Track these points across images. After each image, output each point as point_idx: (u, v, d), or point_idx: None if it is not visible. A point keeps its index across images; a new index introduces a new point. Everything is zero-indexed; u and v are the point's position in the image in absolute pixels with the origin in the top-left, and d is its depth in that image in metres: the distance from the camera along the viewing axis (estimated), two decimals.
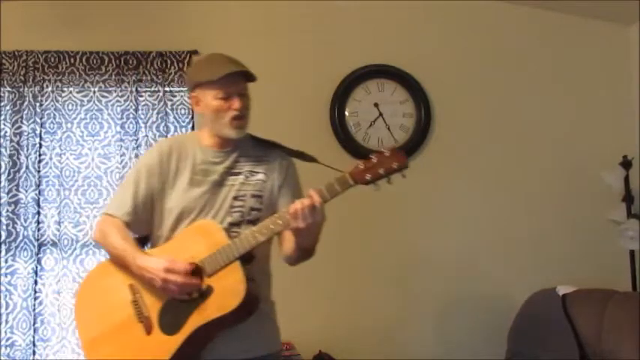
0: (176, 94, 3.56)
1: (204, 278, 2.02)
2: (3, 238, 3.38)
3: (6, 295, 3.35)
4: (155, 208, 2.18)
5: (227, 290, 1.98)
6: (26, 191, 3.41)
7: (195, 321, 1.99)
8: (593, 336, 2.89)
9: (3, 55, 3.48)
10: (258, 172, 2.19)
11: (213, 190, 2.14)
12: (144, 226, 2.20)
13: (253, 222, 2.11)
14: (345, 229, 3.55)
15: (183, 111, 3.55)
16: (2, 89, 3.48)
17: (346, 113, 3.65)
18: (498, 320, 3.32)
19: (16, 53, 3.49)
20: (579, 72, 3.77)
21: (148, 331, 2.04)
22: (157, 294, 2.05)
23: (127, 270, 2.10)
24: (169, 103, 3.54)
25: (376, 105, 3.67)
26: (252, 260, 2.05)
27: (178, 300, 2.02)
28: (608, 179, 3.48)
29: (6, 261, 3.37)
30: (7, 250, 3.37)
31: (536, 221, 3.64)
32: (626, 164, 3.46)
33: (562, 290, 3.14)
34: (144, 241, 2.25)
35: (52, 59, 3.51)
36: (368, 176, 1.98)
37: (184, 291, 2.00)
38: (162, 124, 3.50)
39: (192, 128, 3.53)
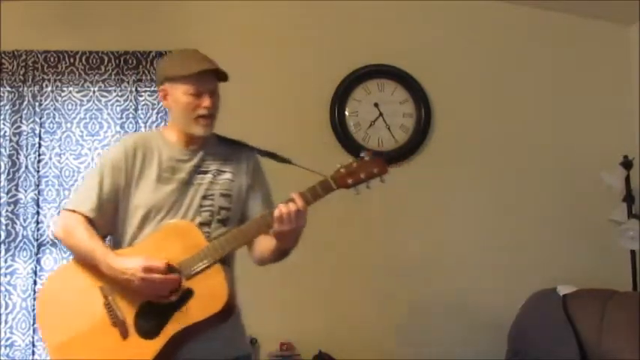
0: None
1: (182, 280, 1.96)
2: (2, 238, 3.38)
3: (5, 296, 3.35)
4: (120, 205, 2.10)
5: (209, 293, 1.94)
6: (25, 191, 3.41)
7: (176, 324, 1.93)
8: (593, 336, 2.89)
9: (3, 55, 3.48)
10: (225, 172, 2.16)
11: (181, 189, 2.09)
12: (108, 224, 2.10)
13: (223, 221, 2.10)
14: (344, 229, 3.55)
15: None
16: (2, 89, 3.48)
17: (346, 113, 3.65)
18: (498, 320, 3.31)
19: (16, 53, 3.49)
20: (579, 72, 3.76)
21: (124, 335, 1.96)
22: (132, 297, 1.97)
23: (96, 270, 2.00)
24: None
25: (376, 105, 3.67)
26: (227, 262, 2.04)
27: (156, 303, 1.96)
28: (608, 179, 3.47)
29: (5, 261, 3.37)
30: (7, 250, 3.37)
31: (536, 221, 3.64)
32: (627, 164, 3.46)
33: (562, 290, 3.14)
34: (105, 239, 2.14)
35: (52, 59, 3.51)
36: (350, 181, 2.00)
37: (164, 290, 1.94)
38: (162, 123, 3.49)
39: None
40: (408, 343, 3.49)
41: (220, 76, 2.16)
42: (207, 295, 1.94)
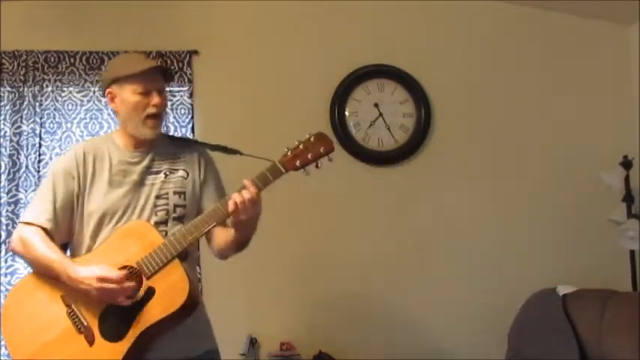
0: (176, 94, 3.55)
1: (143, 280, 1.97)
2: (3, 238, 3.38)
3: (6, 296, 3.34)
4: (75, 212, 2.10)
5: (170, 289, 1.95)
6: (26, 191, 3.41)
7: (141, 324, 1.93)
8: (593, 336, 2.89)
9: (3, 55, 3.48)
10: (177, 169, 2.17)
11: (134, 191, 2.10)
12: (64, 232, 2.11)
13: (179, 219, 2.11)
14: (344, 230, 3.56)
15: (183, 111, 3.54)
16: (2, 89, 3.48)
17: (346, 113, 3.65)
18: (498, 320, 3.31)
19: (16, 53, 3.48)
20: (579, 72, 3.76)
21: (90, 341, 1.95)
22: (94, 302, 1.97)
23: (56, 281, 2.00)
24: (169, 103, 3.52)
25: (376, 105, 3.67)
26: (187, 258, 2.04)
27: (119, 306, 1.95)
28: (608, 179, 3.47)
29: (6, 261, 3.36)
30: (7, 250, 3.37)
31: (536, 221, 3.64)
32: (627, 164, 3.46)
33: (562, 290, 3.14)
34: (64, 248, 2.14)
35: (52, 59, 3.51)
36: (298, 162, 1.99)
37: (121, 298, 1.93)
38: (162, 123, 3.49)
39: (192, 128, 3.53)
40: (408, 343, 3.49)
41: (167, 76, 2.18)
42: (168, 292, 1.94)
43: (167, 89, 2.23)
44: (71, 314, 1.99)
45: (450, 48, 3.74)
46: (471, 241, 3.62)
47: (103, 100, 3.53)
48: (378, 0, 3.71)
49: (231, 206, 1.94)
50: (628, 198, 3.47)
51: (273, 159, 2.01)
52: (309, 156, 1.99)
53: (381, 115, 3.67)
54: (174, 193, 2.13)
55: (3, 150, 3.43)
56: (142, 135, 2.13)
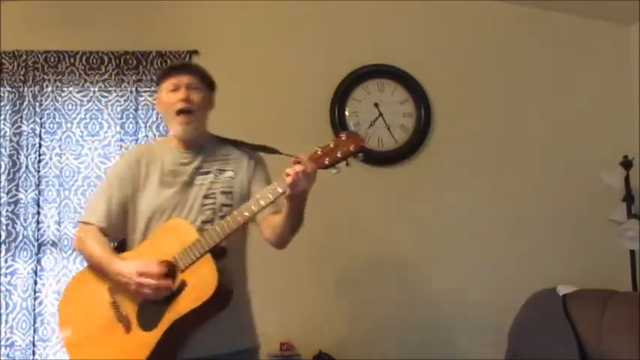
0: None
1: (178, 274, 2.07)
2: (3, 238, 3.38)
3: (6, 296, 3.35)
4: (129, 212, 2.24)
5: (200, 282, 2.03)
6: (26, 191, 3.41)
7: (172, 315, 2.04)
8: (593, 336, 2.89)
9: (3, 55, 3.48)
10: (227, 170, 2.25)
11: (183, 190, 2.20)
12: (120, 230, 2.25)
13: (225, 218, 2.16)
14: (345, 229, 3.55)
15: None
16: (2, 89, 3.48)
17: (346, 113, 3.65)
18: (498, 320, 3.31)
19: (16, 53, 3.49)
20: (579, 72, 3.76)
21: (127, 329, 2.10)
22: (134, 295, 2.10)
23: (104, 275, 2.16)
24: None
25: (376, 105, 3.67)
26: (224, 255, 2.09)
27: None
28: (608, 179, 3.47)
29: (6, 261, 3.37)
30: (7, 250, 3.37)
31: (536, 221, 3.64)
32: (627, 164, 3.46)
33: (562, 290, 3.14)
34: (123, 245, 2.29)
35: (52, 59, 3.51)
36: (327, 160, 1.98)
37: (158, 293, 2.05)
38: (162, 123, 3.49)
39: None
40: (407, 343, 3.49)
41: (201, 74, 2.27)
42: (197, 286, 2.03)
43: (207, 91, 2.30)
44: (114, 305, 2.14)
45: (450, 48, 3.74)
46: (471, 241, 3.62)
47: (103, 100, 3.55)
48: (378, 0, 3.71)
49: (289, 181, 1.95)
50: (628, 198, 3.47)
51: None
52: (339, 154, 1.98)
53: (381, 115, 3.67)
54: (222, 192, 2.21)
55: (3, 150, 3.44)
56: (176, 133, 2.24)
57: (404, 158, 3.65)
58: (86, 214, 2.29)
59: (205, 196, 2.19)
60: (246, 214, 2.04)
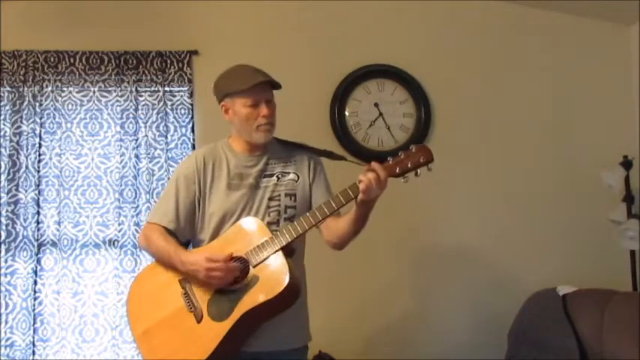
0: (176, 93, 3.56)
1: (249, 269, 2.16)
2: (3, 238, 3.37)
3: (6, 296, 3.34)
4: (196, 214, 2.33)
5: (272, 277, 2.12)
6: (26, 191, 3.41)
7: (243, 307, 2.12)
8: (593, 336, 2.88)
9: (3, 55, 3.48)
10: (289, 172, 2.36)
11: (250, 193, 2.30)
12: (187, 231, 2.35)
13: (290, 219, 2.28)
14: None
15: (183, 111, 3.55)
16: (2, 89, 3.48)
17: (346, 113, 3.65)
18: (498, 320, 3.31)
19: (16, 53, 3.49)
20: (579, 72, 3.76)
21: (199, 319, 2.19)
22: (205, 286, 2.20)
23: (174, 268, 2.26)
24: (169, 103, 3.54)
25: (376, 105, 3.67)
26: (293, 254, 2.20)
27: (226, 290, 2.16)
28: (608, 179, 3.47)
29: (6, 261, 3.36)
30: (7, 250, 3.37)
31: (536, 221, 3.64)
32: (627, 164, 3.46)
33: (562, 290, 3.14)
34: (186, 245, 2.38)
35: (52, 59, 3.51)
36: (397, 169, 2.11)
37: (228, 277, 2.14)
38: (162, 123, 3.49)
39: (192, 128, 3.53)
40: (407, 343, 3.49)
41: (274, 84, 2.34)
42: (269, 280, 2.13)
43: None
44: (185, 295, 2.23)
45: (449, 48, 3.74)
46: (471, 241, 3.62)
47: (103, 100, 3.55)
48: (378, 0, 3.71)
49: (362, 188, 2.07)
50: (628, 198, 3.47)
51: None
52: (409, 164, 2.11)
53: (381, 115, 3.67)
54: (286, 195, 2.32)
55: (3, 150, 3.43)
56: (256, 140, 2.33)
57: None
58: (155, 216, 2.37)
59: (270, 198, 2.30)
60: (319, 215, 2.15)
